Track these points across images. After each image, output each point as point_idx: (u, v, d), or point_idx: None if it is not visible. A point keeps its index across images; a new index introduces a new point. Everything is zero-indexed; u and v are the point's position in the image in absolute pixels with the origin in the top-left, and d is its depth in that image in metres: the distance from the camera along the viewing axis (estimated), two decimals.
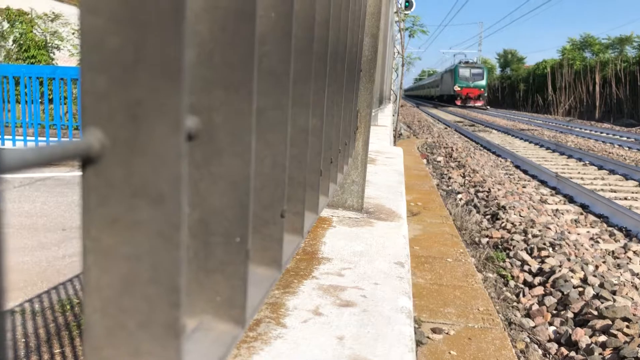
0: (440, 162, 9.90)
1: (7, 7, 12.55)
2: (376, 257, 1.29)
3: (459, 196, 6.68)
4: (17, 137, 7.60)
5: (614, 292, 3.36)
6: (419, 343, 2.31)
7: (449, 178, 8.13)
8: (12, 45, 12.70)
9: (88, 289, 0.34)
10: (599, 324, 2.93)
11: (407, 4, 13.79)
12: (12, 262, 3.09)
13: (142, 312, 0.34)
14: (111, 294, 0.34)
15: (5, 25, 12.63)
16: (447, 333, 2.46)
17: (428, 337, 2.41)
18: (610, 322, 2.91)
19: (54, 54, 13.35)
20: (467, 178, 7.96)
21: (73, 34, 13.42)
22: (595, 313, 3.05)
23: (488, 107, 43.33)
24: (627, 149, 12.61)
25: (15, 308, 2.53)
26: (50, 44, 13.24)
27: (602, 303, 3.16)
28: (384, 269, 1.21)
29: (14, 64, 11.82)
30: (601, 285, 3.46)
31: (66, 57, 13.37)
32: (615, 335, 2.77)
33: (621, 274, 3.91)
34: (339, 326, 0.89)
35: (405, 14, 13.76)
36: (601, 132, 17.82)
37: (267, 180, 0.55)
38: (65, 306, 2.58)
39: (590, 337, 2.86)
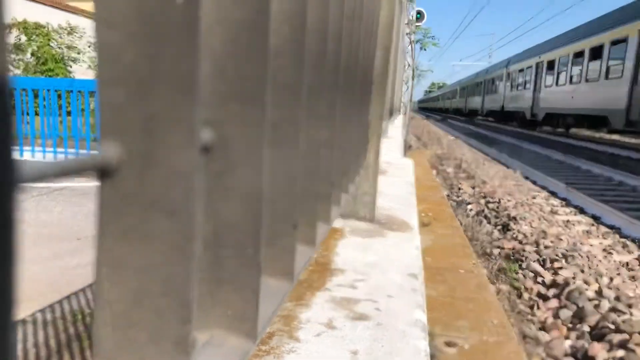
0: (450, 173, 9.85)
1: (24, 20, 12.77)
2: (389, 268, 1.28)
3: (469, 207, 6.63)
4: (36, 148, 7.70)
5: (630, 305, 3.29)
6: (432, 357, 2.28)
7: (459, 189, 8.08)
8: (30, 58, 12.90)
9: (99, 302, 0.33)
10: (617, 338, 2.87)
11: (418, 15, 13.83)
12: (27, 272, 3.11)
13: (153, 326, 0.33)
14: (122, 307, 0.33)
15: (23, 38, 12.85)
16: (461, 347, 2.42)
17: (442, 351, 2.38)
18: (627, 337, 2.85)
19: (70, 67, 13.54)
20: (477, 189, 7.90)
21: (89, 46, 13.59)
22: (612, 327, 2.99)
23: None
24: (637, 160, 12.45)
25: (27, 317, 2.55)
26: (67, 57, 13.43)
27: (618, 316, 3.10)
28: (397, 281, 1.19)
29: (32, 76, 12.00)
30: (617, 298, 3.40)
31: (83, 70, 13.55)
32: (633, 350, 2.71)
33: (637, 286, 3.84)
34: (353, 340, 0.88)
35: (416, 25, 13.79)
36: (611, 143, 17.62)
37: (280, 192, 0.54)
38: (76, 316, 2.59)
39: (608, 351, 2.81)
